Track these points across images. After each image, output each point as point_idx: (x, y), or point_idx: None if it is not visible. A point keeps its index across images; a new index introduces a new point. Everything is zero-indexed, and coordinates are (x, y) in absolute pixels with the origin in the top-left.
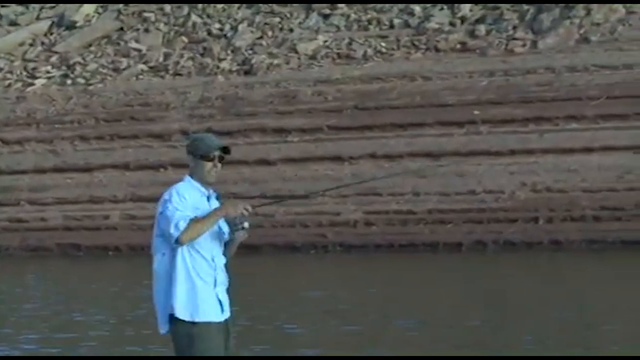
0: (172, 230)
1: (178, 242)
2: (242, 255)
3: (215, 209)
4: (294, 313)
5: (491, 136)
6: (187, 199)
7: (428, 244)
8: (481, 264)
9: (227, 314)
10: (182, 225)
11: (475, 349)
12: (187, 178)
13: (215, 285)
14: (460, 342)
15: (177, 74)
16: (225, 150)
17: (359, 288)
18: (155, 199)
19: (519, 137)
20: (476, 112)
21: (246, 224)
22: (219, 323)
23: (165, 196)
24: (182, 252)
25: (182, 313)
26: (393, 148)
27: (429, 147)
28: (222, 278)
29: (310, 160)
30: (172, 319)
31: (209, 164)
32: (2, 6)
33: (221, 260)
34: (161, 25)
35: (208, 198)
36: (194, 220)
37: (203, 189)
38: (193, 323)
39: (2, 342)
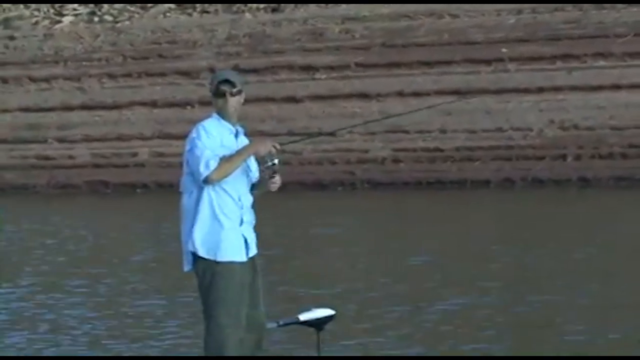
0: (201, 169)
1: (207, 181)
2: (270, 193)
3: (244, 147)
4: (312, 250)
5: (519, 74)
6: (215, 135)
7: (456, 182)
8: (509, 201)
9: (252, 252)
10: (212, 164)
11: (496, 284)
12: (214, 115)
13: (241, 223)
14: (479, 278)
15: (204, 11)
16: (227, 83)
17: (383, 225)
18: (183, 137)
19: (546, 75)
20: (504, 50)
21: (276, 161)
22: (243, 262)
23: (193, 133)
24: (209, 191)
25: (205, 252)
26: (420, 86)
27: (456, 84)
28: (249, 217)
29: (338, 97)
30: (196, 257)
31: (221, 100)
32: None
33: (248, 199)
34: None
35: (236, 135)
36: (223, 159)
37: (230, 126)
38: (216, 262)
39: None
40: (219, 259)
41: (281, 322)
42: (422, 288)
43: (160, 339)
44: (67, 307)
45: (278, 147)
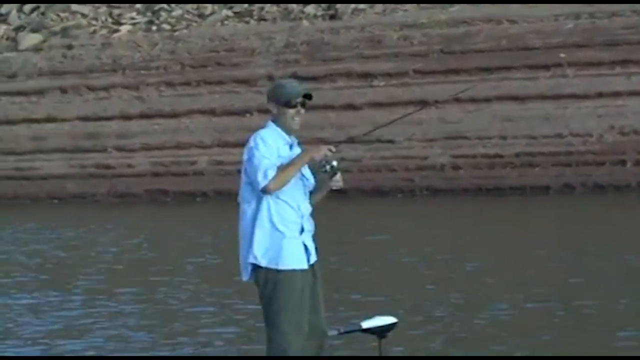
0: (260, 178)
1: (266, 190)
2: (329, 200)
3: (300, 155)
4: (369, 256)
5: (578, 79)
6: (272, 145)
7: (516, 188)
8: (569, 206)
9: (313, 259)
10: (270, 173)
11: (550, 289)
12: (271, 124)
13: (301, 232)
14: (535, 284)
15: (262, 19)
16: (308, 96)
17: (442, 231)
18: (241, 145)
19: (605, 80)
20: (562, 55)
21: (334, 162)
22: (304, 270)
23: (251, 143)
24: (268, 200)
25: (266, 261)
26: (479, 92)
27: (515, 90)
28: (309, 225)
29: (397, 104)
30: (256, 267)
31: (292, 111)
32: None
33: (307, 208)
34: None
35: (291, 146)
36: (281, 168)
37: (286, 137)
38: (277, 270)
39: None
40: (280, 268)
41: (342, 330)
42: (476, 293)
43: (216, 345)
44: (119, 315)
45: (333, 149)
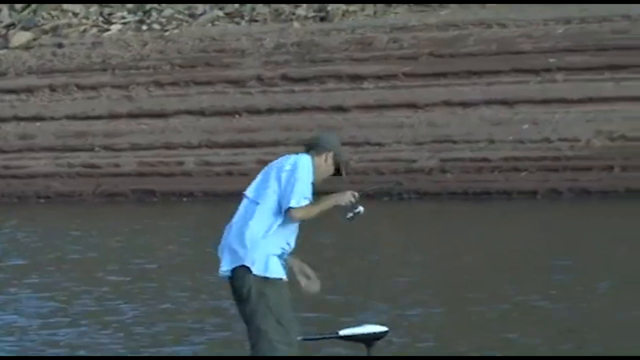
0: (293, 200)
1: (291, 213)
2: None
3: (327, 198)
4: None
5: (567, 84)
6: (310, 177)
7: (502, 192)
8: (555, 211)
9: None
10: (304, 202)
11: (543, 296)
12: (310, 158)
13: (281, 256)
14: (525, 287)
15: (252, 20)
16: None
17: (426, 233)
18: (229, 145)
19: (595, 85)
20: (552, 60)
21: (361, 209)
22: (286, 281)
23: (301, 161)
24: (282, 221)
25: (258, 269)
26: (468, 96)
27: (504, 94)
28: (286, 259)
29: (386, 107)
30: (247, 270)
31: (330, 172)
32: None
33: (292, 247)
34: None
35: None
36: (311, 204)
37: (312, 177)
38: (266, 278)
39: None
40: (270, 276)
41: (312, 337)
42: (455, 296)
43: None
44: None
45: (357, 195)
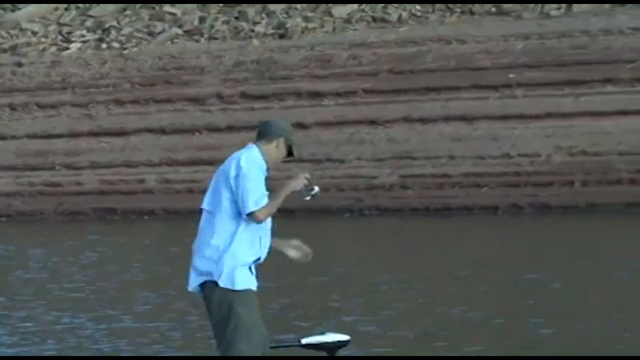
0: (250, 204)
1: (253, 217)
2: (277, 219)
3: (283, 188)
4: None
5: (526, 99)
6: (260, 171)
7: (463, 207)
8: (517, 226)
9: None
10: (263, 202)
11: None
12: (255, 149)
13: (257, 260)
14: (481, 305)
15: (212, 37)
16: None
17: (387, 250)
18: (190, 163)
19: (554, 101)
20: (511, 76)
21: (316, 188)
22: (255, 291)
23: (242, 163)
24: (246, 225)
25: (225, 282)
26: (428, 112)
27: (463, 110)
28: (264, 256)
29: (346, 123)
30: (214, 284)
31: (285, 154)
32: None
33: (267, 240)
34: None
35: (265, 172)
36: (270, 200)
37: (264, 164)
38: (234, 291)
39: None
40: (237, 288)
41: (274, 344)
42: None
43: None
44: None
45: (308, 176)
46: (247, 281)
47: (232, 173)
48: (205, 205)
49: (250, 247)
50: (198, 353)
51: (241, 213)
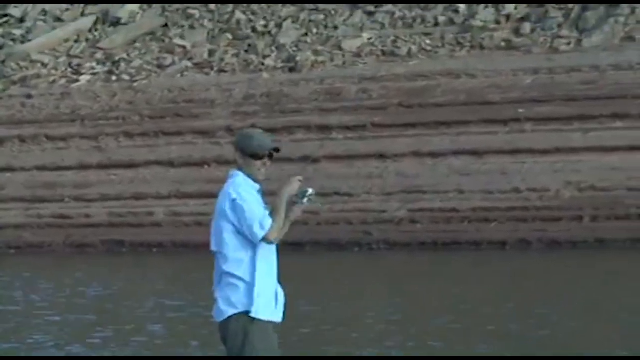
0: (256, 229)
1: (267, 240)
2: (285, 252)
3: (280, 197)
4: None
5: (535, 134)
6: (253, 194)
7: (472, 242)
8: (526, 261)
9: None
10: (267, 222)
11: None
12: (239, 174)
13: (277, 280)
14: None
15: (221, 70)
16: (276, 150)
17: (397, 284)
18: (199, 196)
19: (563, 136)
20: (521, 110)
21: (311, 190)
22: (276, 323)
23: (233, 194)
24: (261, 251)
25: (262, 313)
26: (437, 146)
27: (473, 145)
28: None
29: (355, 157)
30: (237, 314)
31: (258, 163)
32: (47, 3)
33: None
34: (206, 22)
35: (258, 191)
36: (275, 219)
37: (254, 184)
38: (252, 319)
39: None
40: (257, 317)
41: None
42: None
43: None
44: None
45: (300, 178)
46: (268, 312)
47: (227, 208)
48: (213, 247)
49: (269, 270)
50: None
51: (249, 241)
